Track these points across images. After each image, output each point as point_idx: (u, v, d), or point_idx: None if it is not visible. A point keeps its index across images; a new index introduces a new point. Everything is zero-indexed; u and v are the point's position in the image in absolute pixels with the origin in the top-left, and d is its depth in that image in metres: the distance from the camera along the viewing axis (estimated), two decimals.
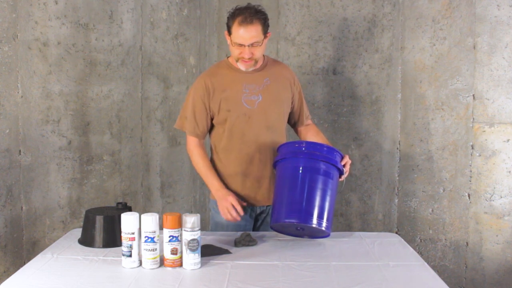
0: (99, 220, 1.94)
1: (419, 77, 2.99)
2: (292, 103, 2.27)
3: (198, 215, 1.70)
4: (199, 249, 1.70)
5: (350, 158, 2.09)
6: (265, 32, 2.06)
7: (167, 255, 1.70)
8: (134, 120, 2.83)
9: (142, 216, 1.71)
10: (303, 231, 1.99)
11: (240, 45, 2.04)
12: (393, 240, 2.05)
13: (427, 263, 1.80)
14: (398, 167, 3.08)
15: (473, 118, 2.87)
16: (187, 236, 1.68)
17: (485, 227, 2.88)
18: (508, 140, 2.81)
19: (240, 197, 2.20)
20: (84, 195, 2.65)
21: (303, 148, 2.02)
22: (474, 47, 2.84)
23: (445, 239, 2.99)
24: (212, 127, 2.22)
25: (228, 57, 2.22)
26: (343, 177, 2.05)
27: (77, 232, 2.08)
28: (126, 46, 2.75)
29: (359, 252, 1.89)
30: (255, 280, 1.59)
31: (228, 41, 2.10)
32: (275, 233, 2.08)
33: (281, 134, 2.23)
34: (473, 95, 2.87)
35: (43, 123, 2.50)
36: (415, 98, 3.00)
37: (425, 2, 2.93)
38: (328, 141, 2.30)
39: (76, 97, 2.59)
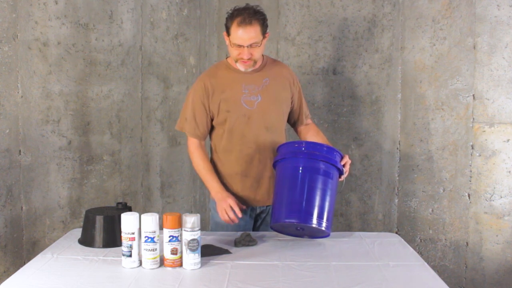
0: (99, 220, 1.94)
1: (419, 77, 2.99)
2: (291, 102, 2.26)
3: (198, 215, 1.70)
4: (199, 249, 1.70)
5: (350, 158, 2.09)
6: (264, 32, 2.05)
7: (167, 255, 1.70)
8: (134, 120, 2.83)
9: (142, 216, 1.71)
10: (303, 231, 1.99)
11: (239, 46, 2.03)
12: (393, 240, 2.05)
13: (427, 263, 1.80)
14: (398, 167, 3.08)
15: (473, 118, 2.87)
16: (187, 236, 1.68)
17: (485, 227, 2.88)
18: (508, 140, 2.81)
19: (239, 198, 2.20)
20: (84, 195, 2.65)
21: (303, 148, 2.02)
22: (474, 47, 2.84)
23: (445, 239, 2.99)
24: (212, 128, 2.22)
25: (227, 58, 2.22)
26: (343, 177, 2.05)
27: (77, 232, 2.08)
28: (126, 46, 2.75)
29: (359, 252, 1.89)
30: (255, 280, 1.59)
31: (227, 42, 2.10)
32: (275, 233, 2.08)
33: (280, 134, 2.23)
34: (473, 95, 2.87)
35: (43, 123, 2.50)
36: (415, 98, 3.00)
37: (425, 2, 2.93)
38: (328, 141, 2.30)
39: (76, 97, 2.59)
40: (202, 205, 3.33)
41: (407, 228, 3.07)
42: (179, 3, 3.04)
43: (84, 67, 2.60)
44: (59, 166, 2.56)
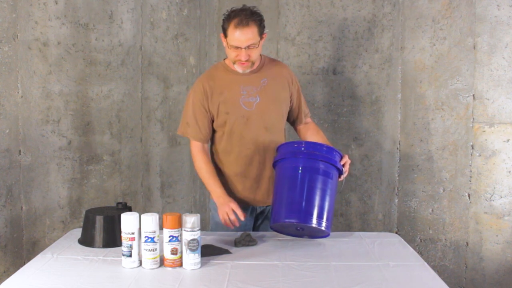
0: (99, 220, 1.94)
1: (419, 77, 2.99)
2: (290, 101, 2.26)
3: (198, 215, 1.70)
4: (199, 249, 1.70)
5: (349, 158, 2.09)
6: (261, 33, 2.04)
7: (167, 255, 1.70)
8: (134, 120, 2.83)
9: (142, 216, 1.71)
10: (303, 231, 1.99)
11: (237, 47, 2.02)
12: (393, 240, 2.05)
13: (427, 263, 1.80)
14: (398, 167, 3.08)
15: (473, 118, 2.87)
16: (187, 236, 1.68)
17: (485, 227, 2.88)
18: (508, 140, 2.81)
19: (239, 198, 2.21)
20: (84, 195, 2.65)
21: (303, 148, 2.02)
22: (474, 47, 2.84)
23: (445, 239, 2.99)
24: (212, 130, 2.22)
25: (224, 59, 2.21)
26: (343, 177, 2.05)
27: (77, 232, 2.08)
28: (126, 46, 2.75)
29: (359, 252, 1.89)
30: (255, 280, 1.59)
31: (224, 43, 2.09)
32: (275, 233, 2.08)
33: (280, 134, 2.23)
34: (473, 95, 2.87)
35: (43, 123, 2.50)
36: (415, 98, 3.00)
37: (425, 2, 2.93)
38: (327, 140, 2.30)
39: (76, 97, 2.59)
40: (202, 205, 3.33)
41: (407, 228, 3.07)
42: (179, 3, 3.04)
43: (84, 67, 2.60)
44: (59, 166, 2.56)
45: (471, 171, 2.89)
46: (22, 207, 2.44)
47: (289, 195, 1.96)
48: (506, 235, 2.83)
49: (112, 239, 1.92)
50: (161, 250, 1.72)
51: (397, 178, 3.09)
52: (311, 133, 2.31)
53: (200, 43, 3.23)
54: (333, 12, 3.07)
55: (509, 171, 2.81)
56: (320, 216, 1.91)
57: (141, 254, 1.71)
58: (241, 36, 1.99)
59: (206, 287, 1.55)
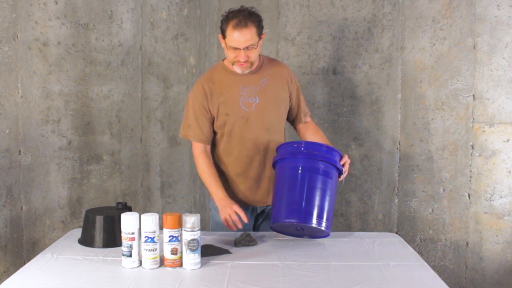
0: (99, 220, 1.94)
1: (419, 77, 2.99)
2: (290, 101, 2.26)
3: (198, 215, 1.70)
4: (199, 249, 1.70)
5: (349, 158, 2.09)
6: (259, 34, 2.04)
7: (167, 255, 1.70)
8: (134, 120, 2.83)
9: (142, 216, 1.71)
10: (303, 231, 1.99)
11: (235, 48, 2.02)
12: (393, 240, 2.05)
13: (427, 263, 1.80)
14: (398, 167, 3.08)
15: (473, 118, 2.87)
16: (187, 236, 1.68)
17: (485, 227, 2.88)
18: (508, 140, 2.81)
19: (240, 199, 2.21)
20: (84, 195, 2.65)
21: (302, 148, 2.01)
22: (474, 47, 2.84)
23: (445, 239, 2.99)
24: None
25: (223, 60, 2.21)
26: (343, 176, 2.05)
27: (77, 232, 2.08)
28: (126, 46, 2.75)
29: (359, 252, 1.89)
30: (255, 280, 1.59)
31: (223, 44, 2.08)
32: (275, 233, 2.07)
33: (280, 134, 2.22)
34: (473, 95, 2.87)
35: (43, 123, 2.50)
36: (415, 98, 3.00)
37: (425, 2, 2.93)
38: (327, 139, 2.30)
39: (76, 97, 2.59)
40: (202, 205, 3.33)
41: (407, 228, 3.07)
42: (179, 3, 3.04)
43: (84, 67, 2.60)
44: (59, 166, 2.56)
45: (471, 171, 2.89)
46: (22, 207, 2.44)
47: (289, 195, 1.96)
48: (506, 235, 2.83)
49: (112, 239, 1.92)
50: (161, 250, 1.72)
51: (397, 178, 3.09)
52: (311, 133, 2.31)
53: (200, 43, 3.23)
54: (333, 12, 3.07)
55: (509, 171, 2.81)
56: (320, 216, 1.91)
57: (141, 254, 1.71)
58: (239, 37, 1.99)
59: (206, 287, 1.55)
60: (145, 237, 1.69)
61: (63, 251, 1.88)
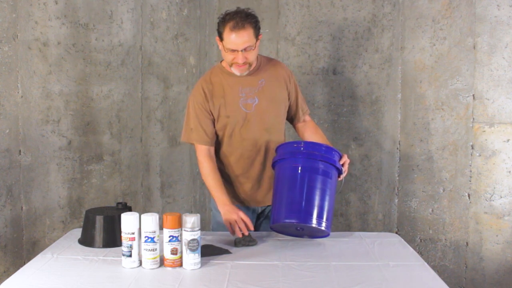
0: (99, 220, 1.94)
1: (419, 77, 2.99)
2: (288, 100, 2.26)
3: (198, 215, 1.70)
4: (199, 249, 1.70)
5: (349, 158, 2.08)
6: (256, 35, 2.03)
7: (167, 255, 1.70)
8: (134, 120, 2.83)
9: (142, 216, 1.71)
10: (303, 231, 1.99)
11: (233, 50, 2.01)
12: (393, 240, 2.05)
13: (427, 263, 1.80)
14: (398, 167, 3.08)
15: (473, 118, 2.87)
16: (187, 236, 1.68)
17: (485, 227, 2.88)
18: (508, 140, 2.81)
19: (241, 199, 2.21)
20: (84, 195, 2.65)
21: (302, 148, 2.01)
22: (474, 47, 2.84)
23: (445, 239, 2.99)
24: None
25: (221, 61, 2.20)
26: (342, 176, 2.05)
27: (77, 232, 2.08)
28: (126, 46, 2.75)
29: (359, 252, 1.89)
30: (255, 280, 1.59)
31: (220, 47, 2.07)
32: (275, 233, 2.07)
33: (280, 134, 2.22)
34: (473, 95, 2.87)
35: (43, 123, 2.50)
36: (415, 98, 3.00)
37: (425, 2, 2.93)
38: (326, 139, 2.29)
39: (76, 97, 2.59)
40: (202, 205, 3.33)
41: (407, 228, 3.07)
42: (179, 3, 3.04)
43: (84, 67, 2.60)
44: (59, 166, 2.56)
45: (471, 171, 2.89)
46: (22, 207, 2.45)
47: (288, 195, 1.96)
48: (506, 235, 2.83)
49: (112, 239, 1.92)
50: (161, 250, 1.72)
51: (397, 178, 3.09)
52: (310, 132, 2.30)
53: (200, 43, 3.23)
54: (333, 12, 3.07)
55: (509, 171, 2.81)
56: (320, 216, 1.91)
57: (141, 254, 1.71)
58: (237, 39, 1.98)
59: (206, 287, 1.55)
60: (145, 237, 1.69)
61: (63, 251, 1.88)
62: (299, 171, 1.96)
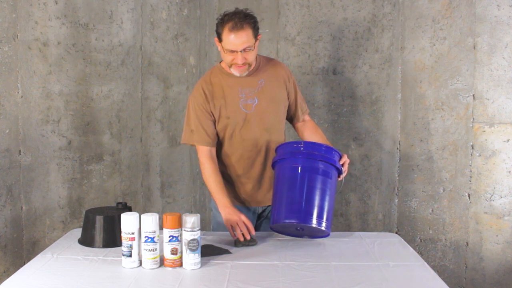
0: (99, 220, 1.94)
1: (419, 77, 2.99)
2: (288, 99, 2.25)
3: (198, 215, 1.70)
4: (199, 249, 1.70)
5: (349, 158, 2.08)
6: (255, 35, 2.02)
7: (167, 255, 1.70)
8: (134, 120, 2.83)
9: (142, 216, 1.71)
10: (303, 231, 1.99)
11: (233, 51, 2.00)
12: (393, 240, 2.05)
13: (427, 263, 1.80)
14: (398, 167, 3.08)
15: (473, 118, 2.87)
16: (187, 236, 1.68)
17: (485, 227, 2.88)
18: (508, 140, 2.81)
19: (241, 199, 2.21)
20: (84, 195, 2.65)
21: (302, 148, 2.01)
22: (474, 47, 2.84)
23: (445, 239, 2.99)
24: None
25: (220, 62, 2.19)
26: (342, 176, 2.05)
27: (77, 232, 2.08)
28: (126, 46, 2.75)
29: (359, 252, 1.89)
30: (255, 280, 1.59)
31: (219, 48, 2.07)
32: (275, 233, 2.07)
33: (280, 134, 2.22)
34: (473, 95, 2.87)
35: (43, 123, 2.50)
36: (415, 98, 3.00)
37: (425, 2, 2.93)
38: (326, 138, 2.29)
39: (76, 97, 2.59)
40: (202, 205, 3.33)
41: (407, 228, 3.07)
42: (179, 3, 3.04)
43: (84, 67, 2.60)
44: (59, 166, 2.56)
45: (471, 171, 2.89)
46: (22, 207, 2.45)
47: (288, 195, 1.96)
48: (506, 235, 2.83)
49: (112, 239, 1.92)
50: (161, 250, 1.72)
51: (397, 178, 3.09)
52: (310, 132, 2.30)
53: (200, 43, 3.23)
54: (333, 12, 3.07)
55: (509, 171, 2.81)
56: (320, 216, 1.91)
57: (141, 254, 1.71)
58: (236, 39, 1.98)
59: (206, 287, 1.55)
60: (145, 237, 1.69)
61: (63, 251, 1.88)
62: (299, 171, 1.96)
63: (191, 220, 1.67)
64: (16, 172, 2.41)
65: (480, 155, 2.87)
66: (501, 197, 2.82)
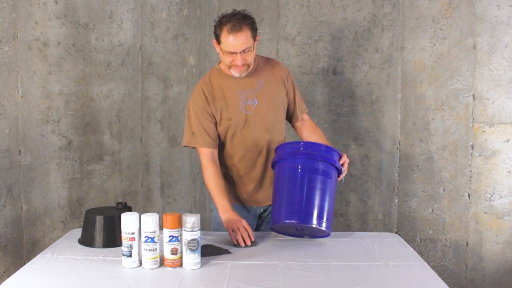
0: (99, 220, 1.94)
1: (419, 77, 2.99)
2: (287, 98, 2.25)
3: (198, 215, 1.70)
4: (199, 249, 1.70)
5: (349, 158, 2.08)
6: (254, 36, 2.02)
7: (167, 255, 1.70)
8: (134, 120, 2.83)
9: (142, 216, 1.71)
10: (303, 231, 1.99)
11: (232, 53, 2.00)
12: (393, 240, 2.05)
13: (427, 263, 1.80)
14: (398, 167, 3.08)
15: (473, 118, 2.87)
16: (187, 236, 1.68)
17: (485, 227, 2.88)
18: (508, 140, 2.81)
19: (242, 199, 2.21)
20: (84, 195, 2.65)
21: (301, 148, 2.01)
22: (474, 47, 2.84)
23: (445, 239, 2.99)
24: None
25: (219, 64, 2.19)
26: (342, 176, 2.05)
27: (77, 232, 2.08)
28: (126, 46, 2.75)
29: (359, 252, 1.89)
30: (255, 280, 1.59)
31: (218, 49, 2.06)
32: (275, 233, 2.07)
33: (280, 134, 2.22)
34: (473, 95, 2.87)
35: (43, 123, 2.50)
36: (415, 98, 3.00)
37: (425, 2, 2.93)
38: (325, 138, 2.29)
39: (76, 97, 2.59)
40: (202, 205, 3.33)
41: (407, 228, 3.07)
42: (179, 3, 3.04)
43: (84, 67, 2.60)
44: (59, 166, 2.56)
45: (471, 171, 2.89)
46: (22, 207, 2.45)
47: (288, 195, 1.96)
48: (506, 235, 2.83)
49: (112, 239, 1.92)
50: (161, 250, 1.72)
51: (397, 178, 3.09)
52: (308, 131, 2.29)
53: (200, 43, 3.23)
54: (333, 12, 3.07)
55: (509, 171, 2.81)
56: (320, 216, 1.91)
57: (141, 254, 1.71)
58: (235, 41, 1.97)
59: (206, 287, 1.55)
60: (145, 237, 1.69)
61: (63, 251, 1.88)
62: (299, 171, 1.96)
63: (191, 220, 1.67)
64: (16, 172, 2.41)
65: (480, 155, 2.87)
66: (501, 197, 2.82)
